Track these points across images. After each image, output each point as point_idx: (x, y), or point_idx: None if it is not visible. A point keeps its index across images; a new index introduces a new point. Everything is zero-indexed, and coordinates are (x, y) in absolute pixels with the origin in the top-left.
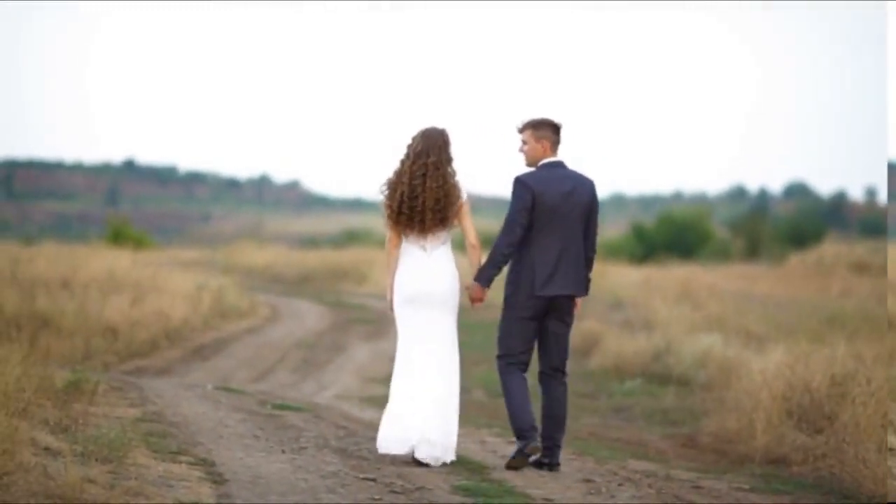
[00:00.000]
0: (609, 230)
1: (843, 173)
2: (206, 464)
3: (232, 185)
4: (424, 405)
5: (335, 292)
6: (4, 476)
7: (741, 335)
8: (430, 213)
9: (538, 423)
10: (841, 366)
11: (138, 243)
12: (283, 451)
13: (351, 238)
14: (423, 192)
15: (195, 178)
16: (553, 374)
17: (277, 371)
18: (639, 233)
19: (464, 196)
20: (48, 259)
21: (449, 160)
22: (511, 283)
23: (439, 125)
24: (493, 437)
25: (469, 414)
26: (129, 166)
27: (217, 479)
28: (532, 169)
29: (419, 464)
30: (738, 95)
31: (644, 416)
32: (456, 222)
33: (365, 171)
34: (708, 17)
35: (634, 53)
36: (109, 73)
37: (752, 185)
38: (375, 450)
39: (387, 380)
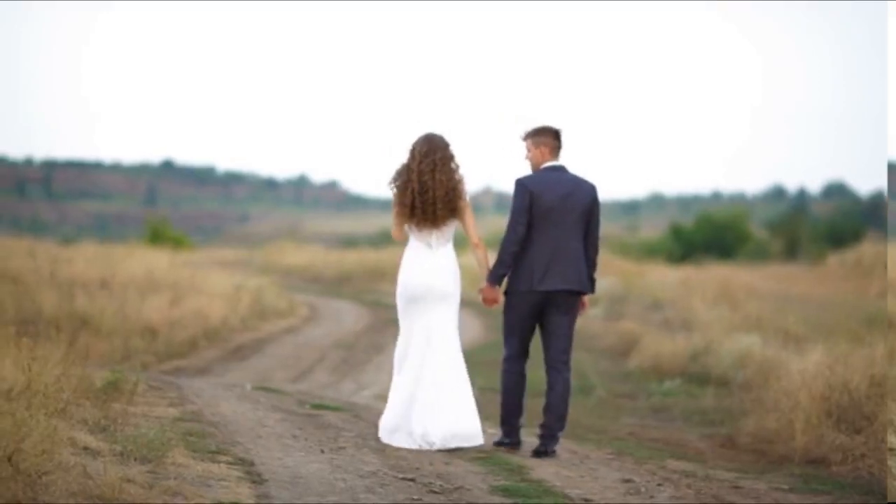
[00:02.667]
0: (647, 230)
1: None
2: (244, 463)
3: (270, 185)
4: (430, 398)
5: (373, 292)
6: (44, 476)
7: (780, 335)
8: (441, 204)
9: (533, 416)
10: (880, 366)
11: (177, 243)
12: (322, 451)
13: (389, 238)
14: (433, 185)
15: (233, 179)
16: (555, 367)
17: (316, 371)
18: (677, 233)
19: (467, 196)
20: (87, 259)
21: (453, 158)
22: (511, 280)
23: (437, 131)
24: (530, 436)
25: None
26: (168, 166)
27: (256, 479)
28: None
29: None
30: (778, 96)
31: (683, 416)
32: (459, 224)
33: None
34: (749, 16)
35: (676, 53)
36: (149, 74)
37: (791, 186)
38: (414, 449)
39: None
